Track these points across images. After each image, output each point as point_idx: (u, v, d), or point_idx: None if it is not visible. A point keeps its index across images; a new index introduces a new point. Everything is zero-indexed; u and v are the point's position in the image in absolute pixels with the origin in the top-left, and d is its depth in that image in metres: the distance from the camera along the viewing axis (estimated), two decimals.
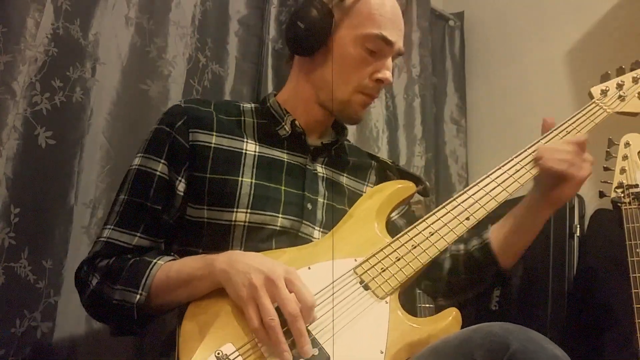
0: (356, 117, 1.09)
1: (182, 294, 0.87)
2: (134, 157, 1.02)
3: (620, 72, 1.25)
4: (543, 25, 2.01)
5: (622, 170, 1.23)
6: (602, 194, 1.25)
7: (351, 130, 1.80)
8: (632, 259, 1.11)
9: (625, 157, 1.25)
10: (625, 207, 1.18)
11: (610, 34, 1.77)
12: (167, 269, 0.90)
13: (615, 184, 1.22)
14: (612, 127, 1.22)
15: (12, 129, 1.14)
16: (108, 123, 1.33)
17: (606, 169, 1.27)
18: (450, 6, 2.36)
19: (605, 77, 1.24)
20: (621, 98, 1.20)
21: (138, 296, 0.89)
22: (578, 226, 1.63)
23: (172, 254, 0.98)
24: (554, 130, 1.11)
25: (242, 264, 0.82)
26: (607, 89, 1.21)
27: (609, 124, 1.20)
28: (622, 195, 1.20)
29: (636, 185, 1.19)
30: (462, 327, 0.88)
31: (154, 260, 0.91)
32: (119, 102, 1.35)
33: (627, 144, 1.26)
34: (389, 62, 1.06)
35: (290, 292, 0.80)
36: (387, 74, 1.05)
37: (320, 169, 1.09)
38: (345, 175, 1.13)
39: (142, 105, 1.39)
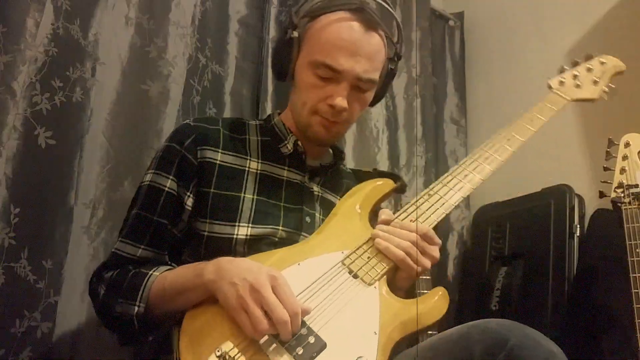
0: (318, 138, 1.10)
1: (178, 304, 0.89)
2: (145, 173, 1.07)
3: (575, 64, 1.34)
4: (543, 25, 2.01)
5: (622, 170, 1.24)
6: (602, 194, 1.25)
7: (351, 130, 1.80)
8: (632, 259, 1.11)
9: (625, 157, 1.25)
10: (625, 207, 1.18)
11: (610, 34, 1.77)
12: (162, 280, 0.93)
13: (615, 184, 1.22)
14: (612, 127, 1.23)
15: (12, 129, 1.14)
16: (108, 123, 1.33)
17: (606, 169, 1.27)
18: (450, 6, 2.36)
19: (562, 70, 1.33)
20: (577, 87, 1.28)
21: (136, 308, 0.92)
22: (578, 226, 1.63)
23: (170, 263, 1.01)
24: (520, 119, 1.16)
25: (229, 273, 0.84)
26: (565, 79, 1.30)
27: (609, 124, 1.20)
28: (622, 195, 1.20)
29: (636, 185, 1.20)
30: None
31: (150, 272, 0.95)
32: (119, 102, 1.35)
33: (627, 144, 1.26)
34: (342, 87, 1.03)
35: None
36: (336, 100, 1.03)
37: (316, 188, 1.13)
38: (338, 197, 1.16)
39: (142, 105, 1.39)
